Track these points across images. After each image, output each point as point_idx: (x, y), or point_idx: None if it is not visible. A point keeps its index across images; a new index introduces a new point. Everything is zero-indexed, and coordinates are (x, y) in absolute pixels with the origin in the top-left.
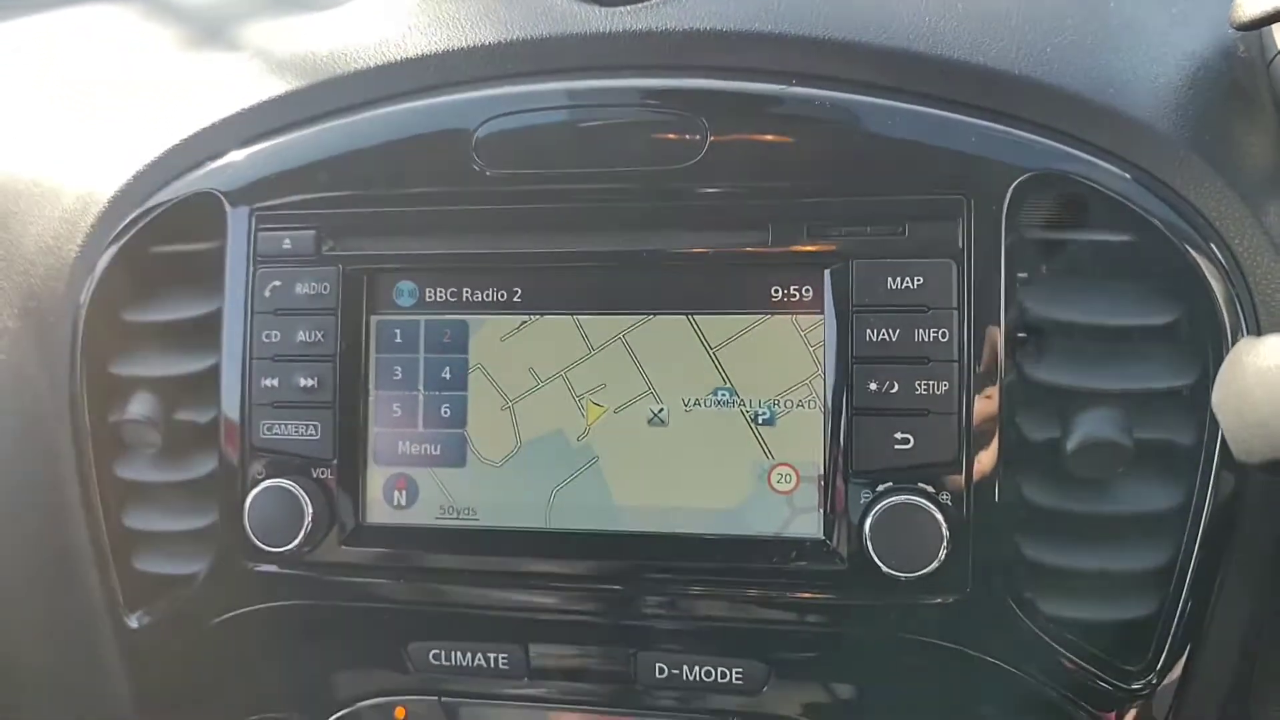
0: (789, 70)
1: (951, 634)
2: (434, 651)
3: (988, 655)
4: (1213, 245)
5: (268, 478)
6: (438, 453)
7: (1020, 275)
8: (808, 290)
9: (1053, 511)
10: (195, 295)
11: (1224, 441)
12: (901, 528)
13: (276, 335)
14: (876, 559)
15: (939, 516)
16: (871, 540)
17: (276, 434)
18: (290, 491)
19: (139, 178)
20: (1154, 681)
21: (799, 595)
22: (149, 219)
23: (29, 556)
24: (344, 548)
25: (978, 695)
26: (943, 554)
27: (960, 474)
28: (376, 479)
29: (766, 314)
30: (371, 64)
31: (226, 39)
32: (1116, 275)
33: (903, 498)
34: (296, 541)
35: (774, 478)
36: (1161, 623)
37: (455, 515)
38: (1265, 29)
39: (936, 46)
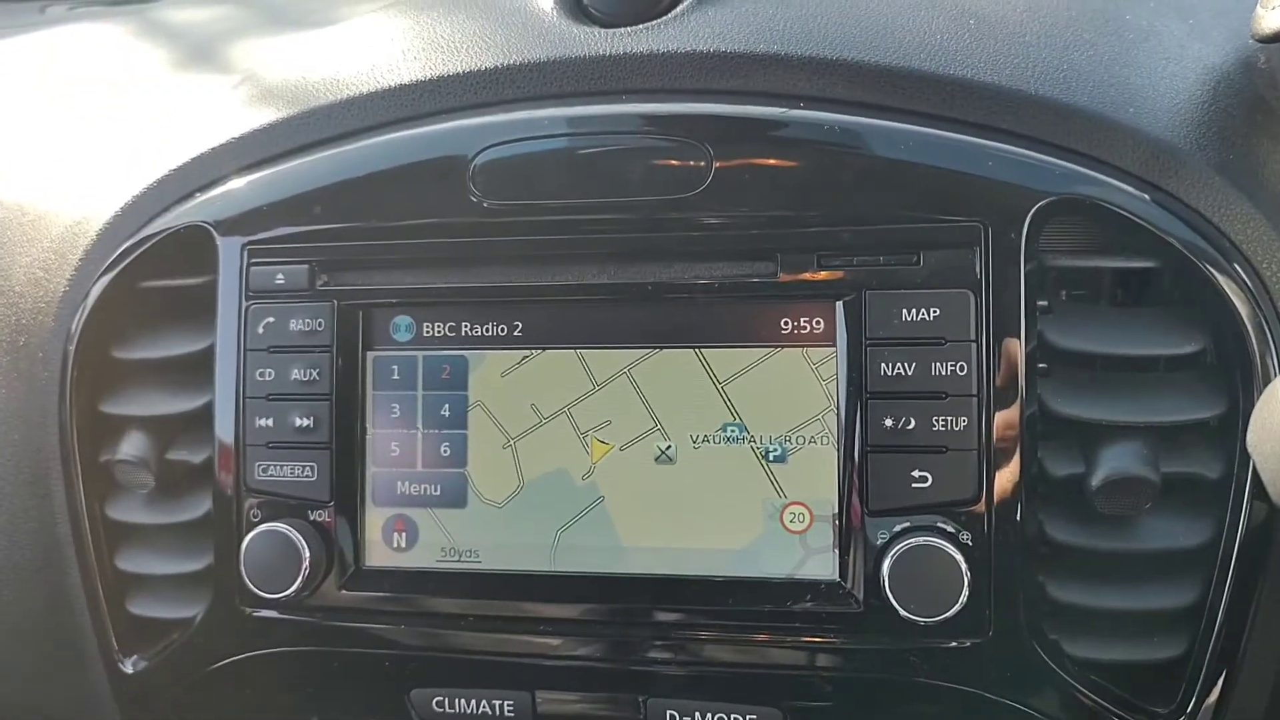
0: (795, 93)
1: (972, 678)
2: (437, 699)
3: (1010, 699)
4: (1238, 268)
5: (263, 520)
6: (438, 493)
7: (1040, 304)
8: (819, 322)
9: (1077, 549)
10: (187, 331)
11: (1255, 475)
12: (920, 570)
13: (270, 373)
14: (894, 602)
15: (959, 558)
16: (889, 583)
17: (272, 475)
18: (286, 535)
19: (128, 209)
20: None
21: (813, 639)
22: (139, 252)
23: (21, 599)
24: (343, 592)
25: None
26: (964, 597)
27: (981, 512)
28: (375, 520)
29: (776, 347)
30: (365, 91)
31: (218, 62)
32: (1140, 303)
33: (921, 539)
34: (294, 587)
35: (786, 517)
36: (1191, 664)
37: (457, 558)
38: None
39: (948, 66)
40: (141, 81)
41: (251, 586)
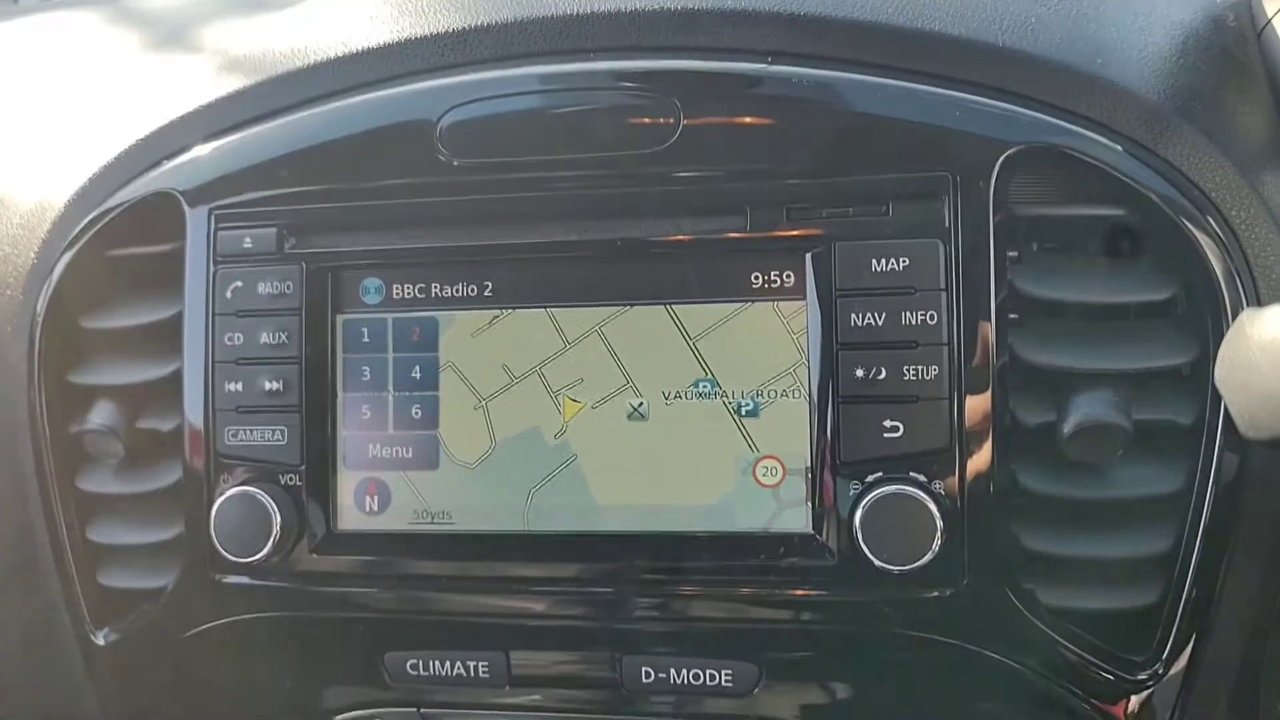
0: (763, 48)
1: (948, 629)
2: (411, 661)
3: (987, 649)
4: (1209, 218)
5: (233, 485)
6: (410, 455)
7: (1010, 254)
8: (789, 276)
9: (1050, 498)
10: (155, 299)
11: (1226, 422)
12: (893, 519)
13: (239, 338)
14: (868, 552)
15: (932, 506)
16: (862, 533)
17: (242, 440)
18: (257, 499)
19: (95, 180)
20: (1159, 672)
21: (789, 592)
22: (105, 221)
23: None
24: (315, 556)
25: (977, 691)
26: (937, 545)
27: (953, 462)
28: (347, 484)
29: (747, 301)
30: (331, 56)
31: (186, 42)
32: (1110, 251)
33: (894, 488)
34: (265, 551)
35: (759, 471)
36: (1166, 611)
37: (429, 520)
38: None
39: (915, 19)
40: (112, 63)
41: (222, 551)
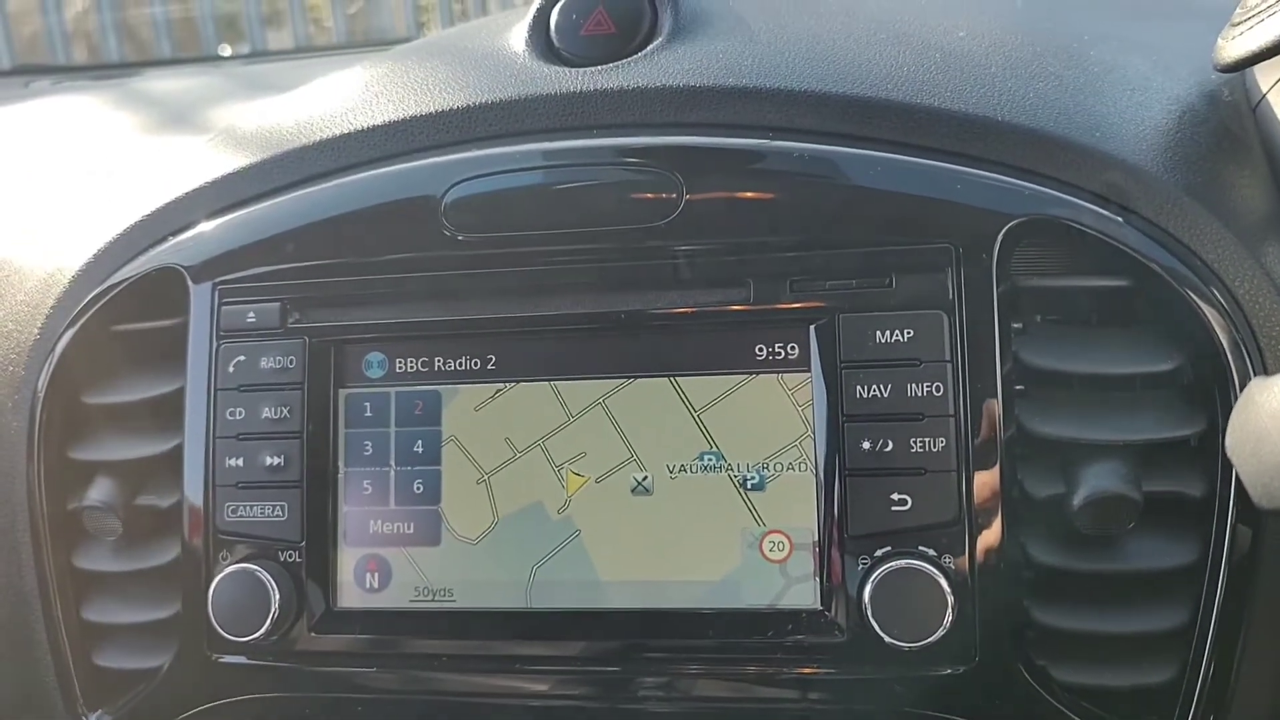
0: (765, 124)
1: (960, 707)
2: None
3: None
4: (1213, 289)
5: (232, 563)
6: (411, 531)
7: (1015, 326)
8: (793, 348)
9: (1062, 571)
10: (157, 374)
11: (1239, 493)
12: (903, 594)
13: (241, 412)
14: (878, 629)
15: (941, 581)
16: (871, 609)
17: (241, 516)
18: (256, 576)
19: (99, 256)
20: None
21: (797, 670)
22: (109, 297)
23: None
24: (314, 635)
25: None
26: (948, 621)
27: (962, 535)
28: (347, 561)
29: (751, 374)
30: (336, 133)
31: (191, 121)
32: (1114, 322)
33: (903, 562)
34: (264, 629)
35: (766, 546)
36: (1184, 688)
37: (430, 597)
38: (1249, 73)
39: (913, 95)
40: (119, 142)
41: (220, 630)
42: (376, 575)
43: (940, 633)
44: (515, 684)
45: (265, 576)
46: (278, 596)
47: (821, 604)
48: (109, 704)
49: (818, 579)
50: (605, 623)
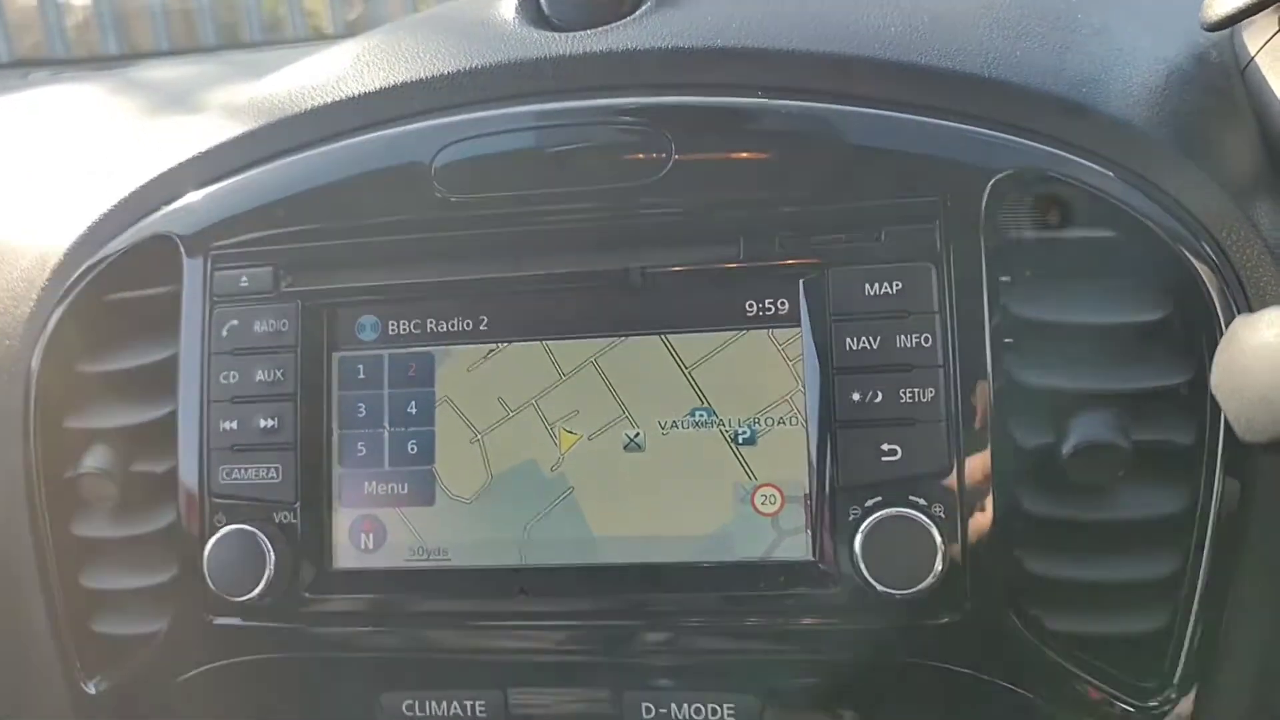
0: (754, 84)
1: (953, 655)
2: (407, 702)
3: (992, 676)
4: (1202, 242)
5: (228, 525)
6: (405, 492)
7: (1003, 279)
8: (783, 303)
9: (1052, 521)
10: (150, 342)
11: (1228, 440)
12: (894, 543)
13: (235, 376)
14: (869, 578)
15: (932, 529)
16: (863, 558)
17: (236, 479)
18: (251, 536)
19: (94, 228)
20: (1172, 697)
21: (791, 622)
22: (102, 267)
23: None
24: (309, 595)
25: None
26: (938, 568)
27: (952, 484)
28: (342, 522)
29: (742, 329)
30: (327, 100)
31: (186, 101)
32: (1102, 273)
33: (893, 510)
34: (259, 590)
35: (758, 499)
36: (1175, 636)
37: (425, 556)
38: (1237, 35)
39: (902, 54)
40: (115, 123)
41: (216, 591)
42: (371, 536)
43: (930, 580)
44: (509, 641)
45: (260, 538)
46: (273, 558)
47: (814, 555)
48: (107, 670)
49: (810, 531)
50: (599, 578)
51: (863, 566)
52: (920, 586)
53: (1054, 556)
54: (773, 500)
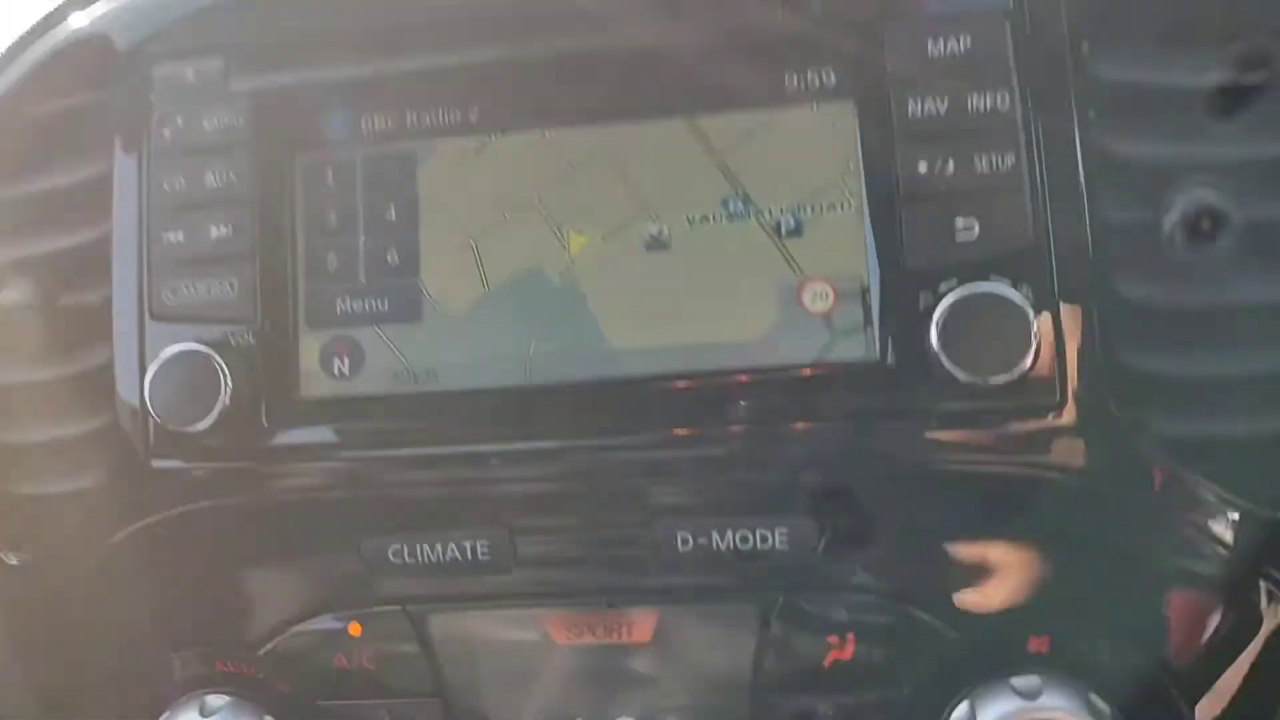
0: None
1: (1049, 457)
2: (394, 548)
3: (1095, 483)
4: None
5: (174, 346)
6: (386, 308)
7: (1087, 34)
8: (829, 73)
9: (1154, 308)
10: (80, 156)
11: None
12: (978, 324)
13: (180, 182)
14: (949, 366)
15: (1022, 304)
16: (941, 344)
17: (184, 297)
18: (202, 356)
19: (23, 37)
20: None
21: (852, 429)
22: (23, 79)
23: None
24: (273, 428)
25: (1094, 539)
26: (1032, 351)
27: (1040, 263)
28: (311, 344)
29: (782, 106)
30: None
31: None
32: (1201, 31)
33: (975, 287)
34: (211, 419)
35: (806, 297)
36: None
37: (412, 380)
38: None
39: None
40: None
41: (159, 421)
42: (347, 359)
43: (1026, 364)
44: (514, 472)
45: (214, 359)
46: (229, 383)
47: (879, 353)
48: (31, 537)
49: (871, 327)
50: (620, 393)
51: (941, 353)
52: (1013, 373)
53: (1159, 348)
54: (824, 297)
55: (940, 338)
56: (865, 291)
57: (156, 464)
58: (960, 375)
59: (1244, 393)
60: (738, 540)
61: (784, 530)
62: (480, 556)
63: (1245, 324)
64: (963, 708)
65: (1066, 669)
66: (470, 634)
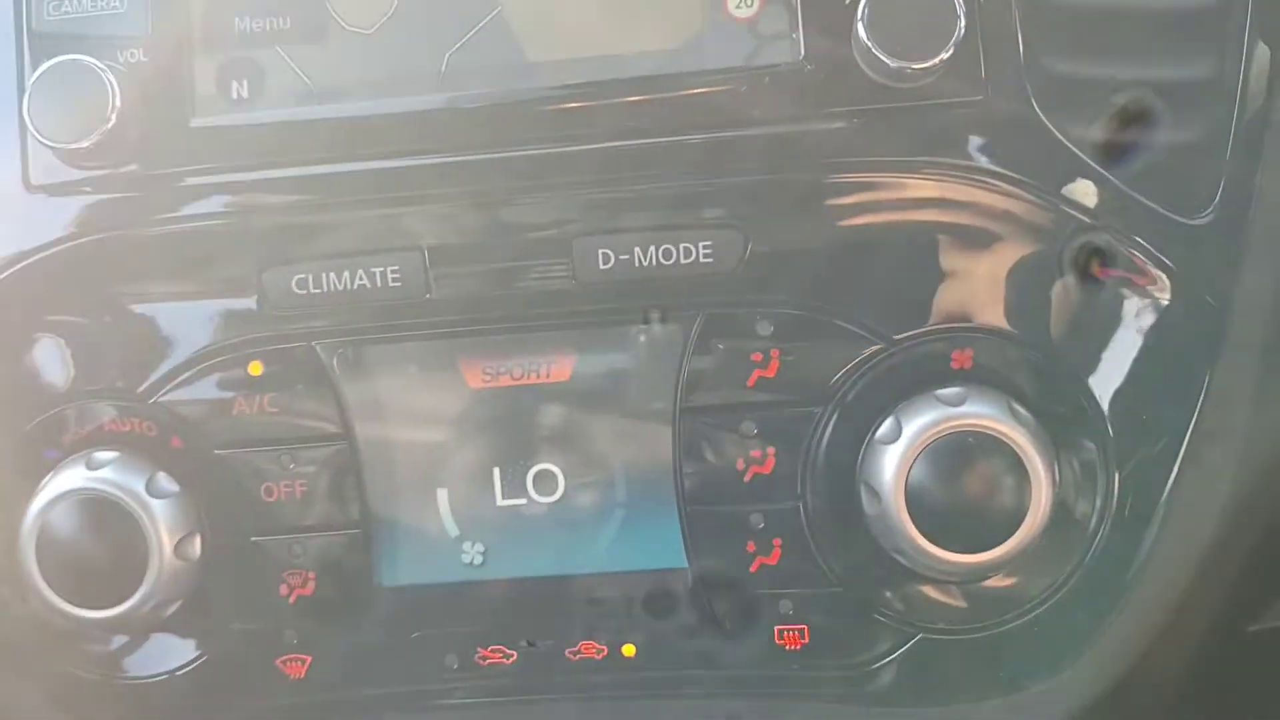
0: None
1: (968, 150)
2: (299, 277)
3: (1008, 169)
4: None
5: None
6: (288, 25)
7: None
8: None
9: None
10: None
11: None
12: (904, 11)
13: None
14: (874, 48)
15: None
16: (867, 30)
17: (67, 11)
18: (89, 68)
19: None
20: (1213, 217)
21: (776, 133)
22: None
23: None
24: (163, 155)
25: (1008, 242)
26: (958, 35)
27: None
28: (206, 67)
29: None
30: None
31: None
32: None
33: None
34: (97, 135)
35: (730, 1)
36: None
37: (317, 101)
38: None
39: None
40: None
41: (37, 136)
42: (246, 82)
43: (948, 52)
44: (426, 191)
45: (103, 72)
46: (117, 101)
47: (804, 55)
48: None
49: (795, 33)
50: (537, 105)
51: (867, 39)
52: (934, 60)
53: (1074, 50)
54: (749, 2)
55: (867, 29)
56: None
57: (33, 194)
58: (889, 61)
59: (1159, 96)
60: (660, 255)
61: (707, 243)
62: (392, 282)
63: (1165, 26)
64: (889, 421)
65: (989, 382)
66: (380, 371)
